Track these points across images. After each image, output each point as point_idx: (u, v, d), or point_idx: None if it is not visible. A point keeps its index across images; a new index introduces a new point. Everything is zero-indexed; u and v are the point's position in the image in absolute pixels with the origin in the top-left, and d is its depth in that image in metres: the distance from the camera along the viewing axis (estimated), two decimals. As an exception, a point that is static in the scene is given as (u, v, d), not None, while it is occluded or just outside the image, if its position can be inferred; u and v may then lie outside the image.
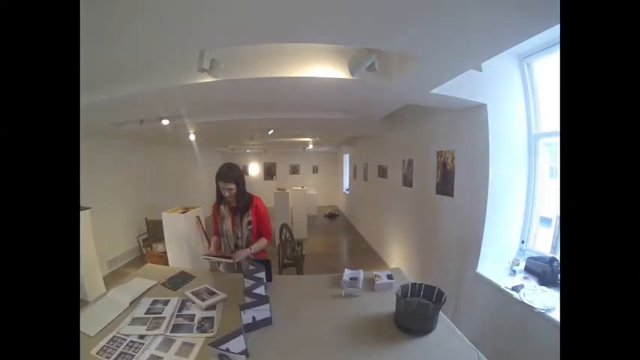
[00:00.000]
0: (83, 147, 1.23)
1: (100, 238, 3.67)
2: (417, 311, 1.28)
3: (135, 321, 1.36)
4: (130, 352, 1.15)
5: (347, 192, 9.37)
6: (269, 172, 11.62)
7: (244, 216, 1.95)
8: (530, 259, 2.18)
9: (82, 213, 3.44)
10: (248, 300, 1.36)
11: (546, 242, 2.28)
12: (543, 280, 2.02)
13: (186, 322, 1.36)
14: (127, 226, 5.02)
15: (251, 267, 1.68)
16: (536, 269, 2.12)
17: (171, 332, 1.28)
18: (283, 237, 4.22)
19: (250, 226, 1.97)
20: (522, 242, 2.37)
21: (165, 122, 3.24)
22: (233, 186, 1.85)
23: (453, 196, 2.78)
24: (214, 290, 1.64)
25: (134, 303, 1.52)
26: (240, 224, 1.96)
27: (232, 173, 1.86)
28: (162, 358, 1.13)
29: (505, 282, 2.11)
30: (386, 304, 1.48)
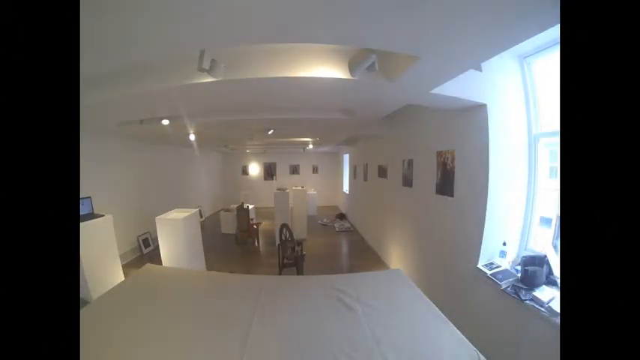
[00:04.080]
0: (83, 147, 1.23)
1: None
2: None
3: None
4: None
5: (347, 192, 9.37)
6: (269, 172, 11.62)
7: None
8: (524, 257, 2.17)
9: (105, 218, 3.57)
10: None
11: (546, 242, 2.27)
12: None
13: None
14: (127, 226, 5.01)
15: None
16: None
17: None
18: (283, 237, 4.22)
19: None
20: (504, 244, 2.34)
21: (166, 122, 3.24)
22: None
23: (453, 196, 2.78)
24: None
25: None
26: None
27: None
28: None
29: (505, 281, 2.11)
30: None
